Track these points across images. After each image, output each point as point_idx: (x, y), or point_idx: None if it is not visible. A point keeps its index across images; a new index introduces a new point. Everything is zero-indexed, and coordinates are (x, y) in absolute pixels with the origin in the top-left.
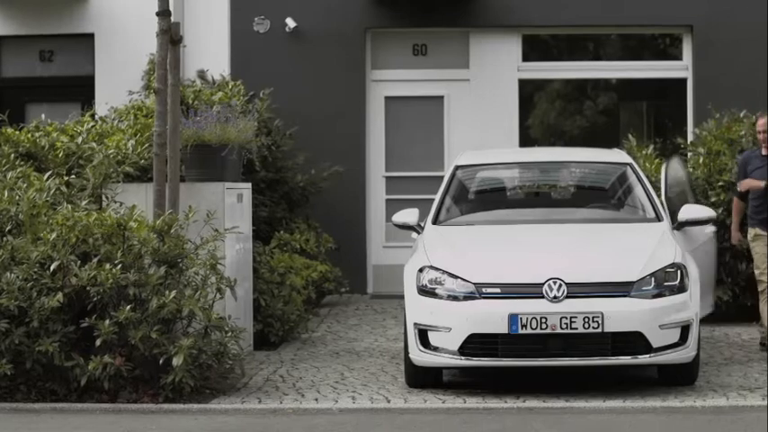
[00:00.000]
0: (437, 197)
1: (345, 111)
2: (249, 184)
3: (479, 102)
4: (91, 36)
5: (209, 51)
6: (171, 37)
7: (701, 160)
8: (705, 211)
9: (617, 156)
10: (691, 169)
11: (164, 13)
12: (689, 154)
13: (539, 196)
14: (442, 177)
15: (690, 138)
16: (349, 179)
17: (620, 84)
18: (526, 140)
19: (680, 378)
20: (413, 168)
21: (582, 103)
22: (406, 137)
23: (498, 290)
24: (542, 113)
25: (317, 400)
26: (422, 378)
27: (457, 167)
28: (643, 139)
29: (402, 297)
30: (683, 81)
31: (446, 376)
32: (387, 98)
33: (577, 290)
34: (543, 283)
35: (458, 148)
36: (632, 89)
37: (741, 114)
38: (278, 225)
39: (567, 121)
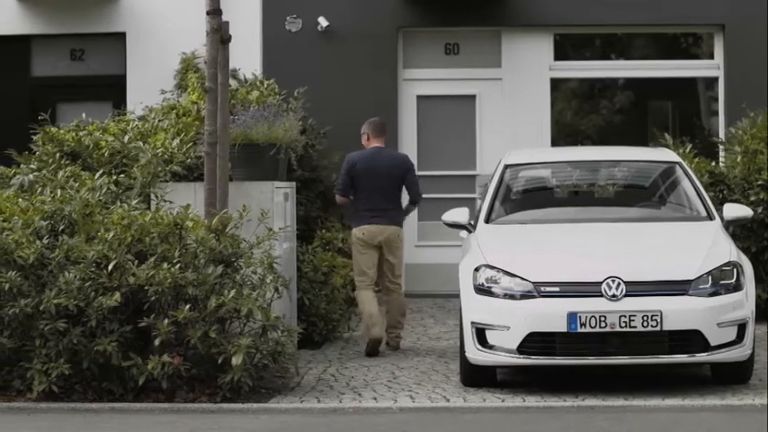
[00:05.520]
0: (488, 196)
1: (377, 110)
2: (294, 183)
3: (511, 101)
4: (122, 35)
5: (241, 50)
6: (221, 36)
7: (738, 159)
8: (746, 210)
9: (665, 154)
10: (724, 168)
11: (214, 12)
12: (723, 153)
13: (590, 195)
14: (474, 176)
15: (722, 136)
16: None
17: (649, 82)
18: (555, 140)
19: (734, 376)
20: (445, 167)
21: (609, 102)
22: (437, 136)
23: (557, 288)
24: (562, 112)
25: (375, 399)
26: (478, 377)
27: (507, 166)
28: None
29: (437, 296)
30: (713, 80)
31: (499, 375)
32: (419, 97)
33: (636, 288)
34: (602, 282)
35: (490, 147)
36: (661, 87)
37: None
38: (313, 224)
39: (591, 120)
